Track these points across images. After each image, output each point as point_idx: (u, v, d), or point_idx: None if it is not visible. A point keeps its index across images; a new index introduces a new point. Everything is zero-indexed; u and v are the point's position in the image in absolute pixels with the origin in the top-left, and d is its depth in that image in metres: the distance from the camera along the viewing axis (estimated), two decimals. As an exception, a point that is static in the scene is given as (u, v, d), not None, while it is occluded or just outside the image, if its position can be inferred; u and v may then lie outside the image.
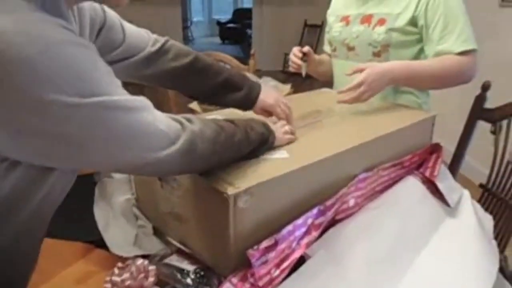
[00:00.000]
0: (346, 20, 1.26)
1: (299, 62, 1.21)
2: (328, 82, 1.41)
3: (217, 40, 9.62)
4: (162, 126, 0.54)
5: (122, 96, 0.50)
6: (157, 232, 0.84)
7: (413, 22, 1.11)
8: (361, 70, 1.03)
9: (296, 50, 1.23)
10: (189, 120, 0.60)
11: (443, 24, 1.07)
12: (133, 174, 0.90)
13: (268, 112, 0.90)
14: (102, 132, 0.47)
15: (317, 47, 5.38)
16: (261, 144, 0.73)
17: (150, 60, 0.82)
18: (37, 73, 0.41)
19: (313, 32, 5.74)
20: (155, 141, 0.53)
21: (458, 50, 1.06)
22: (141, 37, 0.82)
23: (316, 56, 1.30)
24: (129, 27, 0.80)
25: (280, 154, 0.75)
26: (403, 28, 1.12)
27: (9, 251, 0.54)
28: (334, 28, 1.30)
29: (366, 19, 1.20)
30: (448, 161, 1.31)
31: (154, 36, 0.85)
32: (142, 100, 0.53)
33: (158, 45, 0.83)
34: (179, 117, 0.59)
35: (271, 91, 0.92)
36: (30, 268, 0.62)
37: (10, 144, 0.45)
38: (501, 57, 2.41)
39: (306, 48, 1.22)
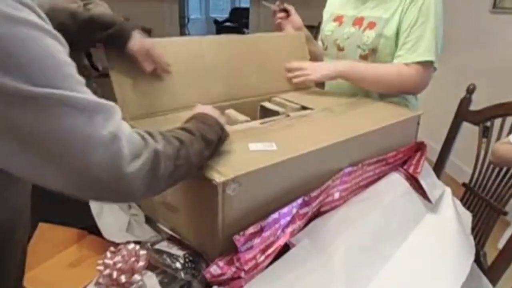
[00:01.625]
0: (339, 20, 1.29)
1: (278, 13, 1.29)
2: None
3: (214, 38, 9.61)
4: (124, 138, 0.49)
5: (82, 94, 0.45)
6: (149, 221, 0.87)
7: (398, 29, 1.14)
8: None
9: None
10: (152, 136, 0.56)
11: (410, 31, 1.10)
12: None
13: (147, 55, 0.90)
14: (53, 132, 0.43)
15: (313, 48, 5.41)
16: (218, 143, 0.72)
17: None
18: None
19: (311, 33, 5.78)
20: (115, 153, 0.47)
21: (410, 61, 1.10)
22: None
23: (306, 31, 1.35)
24: None
25: (269, 147, 0.79)
26: (391, 37, 1.15)
27: None
28: (327, 27, 1.33)
29: (357, 21, 1.23)
30: (434, 159, 1.35)
31: None
32: (106, 105, 0.48)
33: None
34: (142, 131, 0.55)
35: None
36: (20, 252, 0.63)
37: None
38: (490, 62, 2.46)
39: (289, 6, 1.30)
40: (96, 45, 0.90)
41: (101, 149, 0.46)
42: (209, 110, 0.76)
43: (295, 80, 1.16)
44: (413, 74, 1.11)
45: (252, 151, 0.76)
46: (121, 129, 0.49)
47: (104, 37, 0.84)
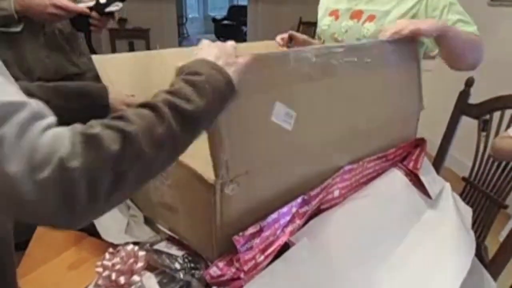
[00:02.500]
0: (335, 14, 1.29)
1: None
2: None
3: (213, 37, 9.61)
4: (17, 144, 0.38)
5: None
6: (148, 221, 0.87)
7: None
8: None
9: (279, 39, 1.30)
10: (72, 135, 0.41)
11: (450, 15, 1.09)
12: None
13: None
14: None
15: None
16: (224, 100, 0.56)
17: None
18: None
19: (308, 30, 5.76)
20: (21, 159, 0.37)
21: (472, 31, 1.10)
22: None
23: (301, 36, 1.35)
24: None
25: (286, 121, 0.71)
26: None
27: None
28: (323, 21, 1.33)
29: (355, 14, 1.22)
30: (434, 154, 1.35)
31: None
32: (24, 103, 0.40)
33: None
34: (63, 130, 0.42)
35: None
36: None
37: None
38: (489, 55, 2.43)
39: (288, 34, 1.29)
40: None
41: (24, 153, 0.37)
42: (213, 54, 0.58)
43: (404, 32, 0.94)
44: (480, 41, 1.12)
45: (271, 124, 0.68)
46: (18, 133, 0.38)
47: (86, 107, 0.80)
